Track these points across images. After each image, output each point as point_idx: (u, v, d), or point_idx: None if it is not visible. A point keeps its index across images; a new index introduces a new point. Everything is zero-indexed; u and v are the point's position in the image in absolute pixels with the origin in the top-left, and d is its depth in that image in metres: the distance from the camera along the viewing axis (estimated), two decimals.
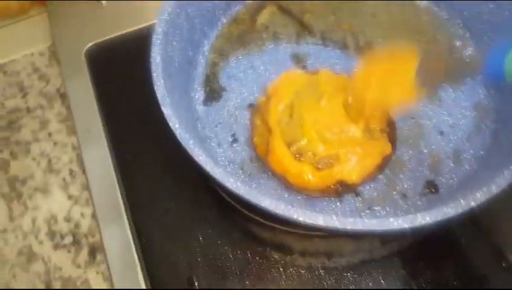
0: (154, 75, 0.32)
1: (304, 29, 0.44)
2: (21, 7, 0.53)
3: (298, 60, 0.42)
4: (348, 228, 0.26)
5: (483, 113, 0.39)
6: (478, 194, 0.28)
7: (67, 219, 0.45)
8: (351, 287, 0.33)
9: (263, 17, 0.45)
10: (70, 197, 0.46)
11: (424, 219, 0.27)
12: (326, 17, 0.44)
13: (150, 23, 0.47)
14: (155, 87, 0.32)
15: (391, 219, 0.26)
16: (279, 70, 0.41)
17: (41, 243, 0.44)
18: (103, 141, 0.41)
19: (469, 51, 0.42)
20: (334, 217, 0.26)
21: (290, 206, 0.27)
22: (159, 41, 0.34)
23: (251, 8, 0.45)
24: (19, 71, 0.54)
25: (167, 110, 0.31)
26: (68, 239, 0.44)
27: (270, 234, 0.35)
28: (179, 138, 0.30)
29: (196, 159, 0.29)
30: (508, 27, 0.38)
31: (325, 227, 0.26)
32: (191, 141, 0.30)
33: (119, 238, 0.37)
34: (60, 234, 0.44)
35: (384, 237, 0.35)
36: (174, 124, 0.30)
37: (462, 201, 0.27)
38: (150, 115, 0.41)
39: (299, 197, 0.35)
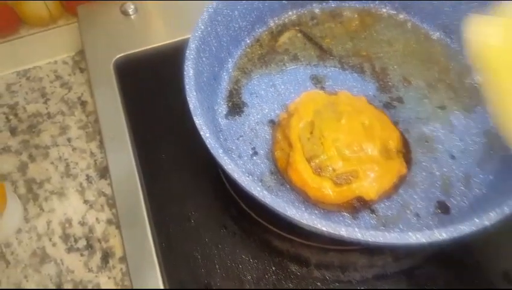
0: (187, 87, 0.34)
1: (323, 52, 0.46)
2: (51, 17, 0.55)
3: (317, 81, 0.45)
4: (369, 240, 0.27)
5: (492, 140, 0.40)
6: (492, 214, 0.29)
7: (82, 223, 0.45)
8: None
9: (284, 40, 0.48)
10: (86, 201, 0.47)
11: (441, 234, 0.28)
12: (345, 43, 0.47)
13: (177, 39, 0.50)
14: (188, 99, 0.33)
15: (410, 233, 0.28)
16: (299, 90, 0.43)
17: (54, 245, 0.44)
18: (128, 148, 0.42)
19: (479, 81, 0.44)
20: (356, 229, 0.27)
21: (314, 217, 0.28)
22: (192, 56, 0.36)
23: (274, 30, 0.48)
24: (42, 78, 0.56)
25: (198, 120, 0.32)
26: (82, 243, 0.44)
27: (288, 245, 0.36)
28: (209, 146, 0.31)
29: (225, 167, 0.30)
30: None
31: (347, 238, 0.28)
32: (221, 150, 0.31)
33: (140, 242, 0.38)
34: (74, 238, 0.45)
35: (397, 254, 0.36)
36: (205, 133, 0.32)
37: (476, 220, 0.29)
38: (175, 125, 0.44)
39: (316, 211, 0.36)
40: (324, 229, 0.27)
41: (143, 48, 0.49)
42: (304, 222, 0.28)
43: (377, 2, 0.49)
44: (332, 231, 0.27)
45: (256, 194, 0.29)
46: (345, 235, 0.27)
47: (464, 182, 0.39)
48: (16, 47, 0.56)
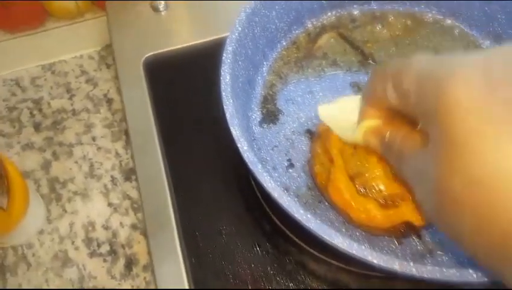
0: (223, 94, 0.32)
1: (364, 58, 0.43)
2: (78, 10, 0.53)
3: (358, 88, 0.42)
4: (425, 276, 0.25)
5: None
6: None
7: (106, 227, 0.44)
8: None
9: (322, 43, 0.45)
10: (110, 204, 0.45)
11: None
12: (388, 49, 0.44)
13: (209, 38, 0.47)
14: (224, 107, 0.31)
15: (470, 271, 0.25)
16: (338, 97, 0.41)
17: (77, 249, 0.43)
18: (156, 150, 0.41)
19: None
20: (411, 263, 0.25)
21: (363, 247, 0.26)
22: (228, 60, 0.33)
23: (311, 32, 0.45)
24: (67, 72, 0.54)
25: (236, 131, 0.30)
26: (105, 248, 0.43)
27: (325, 269, 0.34)
28: (247, 160, 0.29)
29: (265, 185, 0.28)
30: None
31: (400, 272, 0.25)
32: (259, 166, 0.29)
33: (167, 254, 0.36)
34: (97, 242, 0.43)
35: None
36: (243, 146, 0.29)
37: None
38: (206, 128, 0.42)
39: (357, 233, 0.34)
40: (375, 261, 0.25)
41: (174, 47, 0.46)
42: (354, 252, 0.25)
43: (422, 5, 0.46)
44: (384, 265, 0.25)
45: (299, 217, 0.27)
46: (399, 270, 0.25)
47: None
48: (42, 40, 0.55)
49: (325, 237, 0.26)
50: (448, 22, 0.45)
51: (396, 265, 0.25)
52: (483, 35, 0.44)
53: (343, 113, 0.33)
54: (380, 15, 0.46)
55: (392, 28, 0.45)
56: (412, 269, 0.25)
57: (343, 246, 0.26)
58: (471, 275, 0.25)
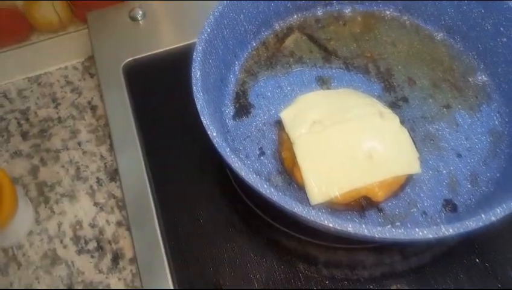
0: (194, 88, 0.35)
1: (328, 54, 0.47)
2: (61, 23, 0.56)
3: (323, 82, 0.45)
4: (376, 236, 0.28)
5: (498, 138, 0.41)
6: (498, 210, 0.29)
7: (92, 225, 0.46)
8: None
9: (289, 42, 0.48)
10: (96, 204, 0.47)
11: (448, 230, 0.28)
12: (349, 45, 0.48)
13: (184, 43, 0.51)
14: (195, 99, 0.34)
15: (416, 229, 0.28)
16: (305, 91, 0.44)
17: (65, 247, 0.45)
18: (137, 150, 0.43)
19: (483, 80, 0.44)
20: (363, 225, 0.28)
21: (320, 213, 0.28)
22: (199, 58, 0.36)
23: (279, 33, 0.49)
24: (53, 83, 0.57)
25: (206, 120, 0.33)
26: (92, 244, 0.45)
27: (296, 244, 0.37)
28: (216, 145, 0.32)
29: (232, 165, 0.31)
30: None
31: (354, 235, 0.28)
32: (228, 149, 0.32)
33: (149, 244, 0.38)
34: (85, 240, 0.45)
35: (406, 252, 0.36)
36: (212, 132, 0.32)
37: (483, 215, 0.29)
38: (183, 127, 0.44)
39: (323, 211, 0.36)
40: (331, 225, 0.28)
41: (151, 52, 0.50)
42: (311, 219, 0.28)
43: (380, 4, 0.50)
44: (339, 228, 0.28)
45: (263, 192, 0.30)
46: (352, 231, 0.27)
47: (470, 180, 0.39)
48: (27, 53, 0.58)
49: (287, 207, 0.29)
50: (405, 18, 0.49)
51: (350, 227, 0.28)
52: (436, 28, 0.48)
53: (302, 112, 0.37)
54: (342, 15, 0.50)
55: (353, 26, 0.49)
56: (364, 230, 0.27)
57: (303, 213, 0.28)
58: (417, 233, 0.28)
